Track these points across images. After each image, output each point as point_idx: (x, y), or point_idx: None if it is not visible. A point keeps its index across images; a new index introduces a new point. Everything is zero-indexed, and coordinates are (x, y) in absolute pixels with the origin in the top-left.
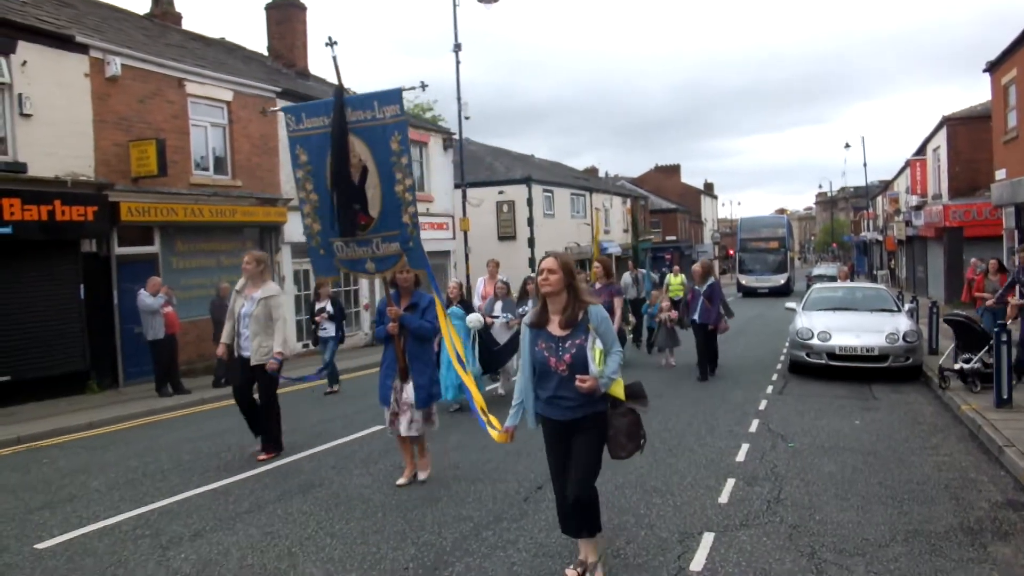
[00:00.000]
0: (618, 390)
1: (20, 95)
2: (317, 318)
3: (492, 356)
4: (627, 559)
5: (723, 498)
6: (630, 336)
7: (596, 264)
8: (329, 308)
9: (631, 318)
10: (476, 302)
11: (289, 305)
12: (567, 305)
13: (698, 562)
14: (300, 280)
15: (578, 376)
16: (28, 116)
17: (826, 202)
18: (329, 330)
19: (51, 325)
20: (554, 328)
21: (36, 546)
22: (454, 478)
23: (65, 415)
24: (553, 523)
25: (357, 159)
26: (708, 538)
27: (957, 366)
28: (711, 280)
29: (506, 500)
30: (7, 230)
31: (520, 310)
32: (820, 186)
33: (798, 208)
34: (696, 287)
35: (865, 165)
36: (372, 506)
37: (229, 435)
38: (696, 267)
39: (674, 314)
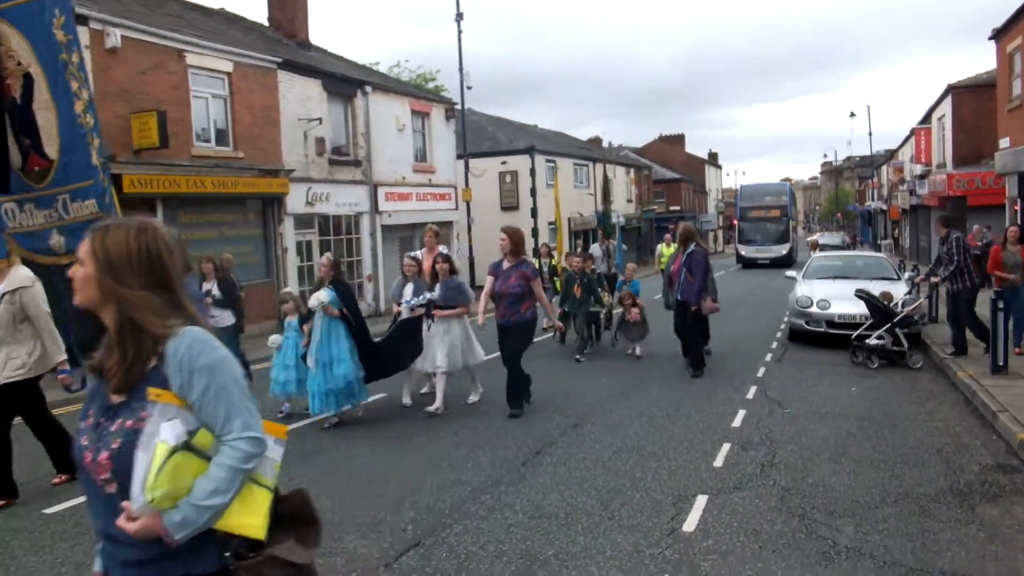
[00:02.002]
0: (247, 522)
1: None
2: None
3: (386, 357)
4: (621, 520)
5: (718, 462)
6: (603, 319)
7: (503, 236)
8: (216, 291)
9: (607, 298)
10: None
11: (293, 278)
12: (115, 341)
13: (691, 523)
14: (303, 251)
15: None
16: None
17: (831, 171)
18: (219, 318)
19: (53, 300)
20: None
21: (44, 511)
22: (454, 445)
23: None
24: (550, 486)
25: (14, 61)
26: (701, 500)
27: (872, 342)
28: (691, 247)
29: (504, 465)
30: None
31: (426, 295)
32: (825, 155)
33: (803, 178)
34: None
35: (870, 134)
36: (372, 472)
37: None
38: (683, 228)
39: (634, 314)
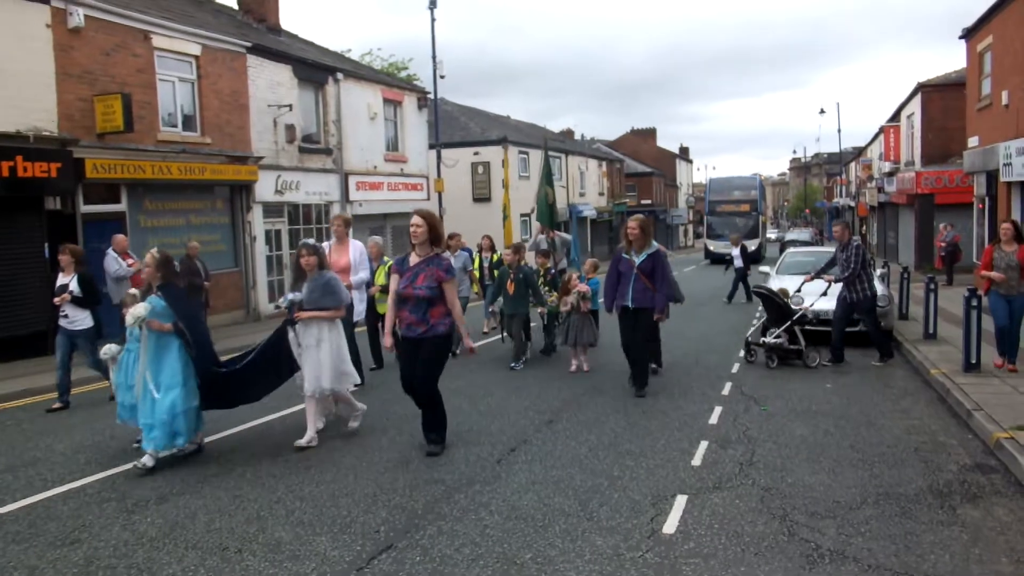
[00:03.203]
0: None
1: None
2: (57, 300)
3: (237, 384)
4: (600, 521)
5: (696, 461)
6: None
7: (417, 221)
8: (75, 287)
9: (552, 299)
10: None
11: (261, 267)
12: None
13: (671, 524)
14: (272, 240)
15: None
16: None
17: (800, 168)
18: (77, 320)
19: (15, 284)
20: None
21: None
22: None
23: (30, 376)
24: (526, 486)
25: None
26: (681, 500)
27: (763, 340)
28: (653, 248)
29: (478, 463)
30: None
31: (288, 296)
32: (794, 152)
33: (772, 174)
34: (625, 255)
35: (839, 131)
36: (342, 469)
37: None
38: (631, 224)
39: (582, 287)
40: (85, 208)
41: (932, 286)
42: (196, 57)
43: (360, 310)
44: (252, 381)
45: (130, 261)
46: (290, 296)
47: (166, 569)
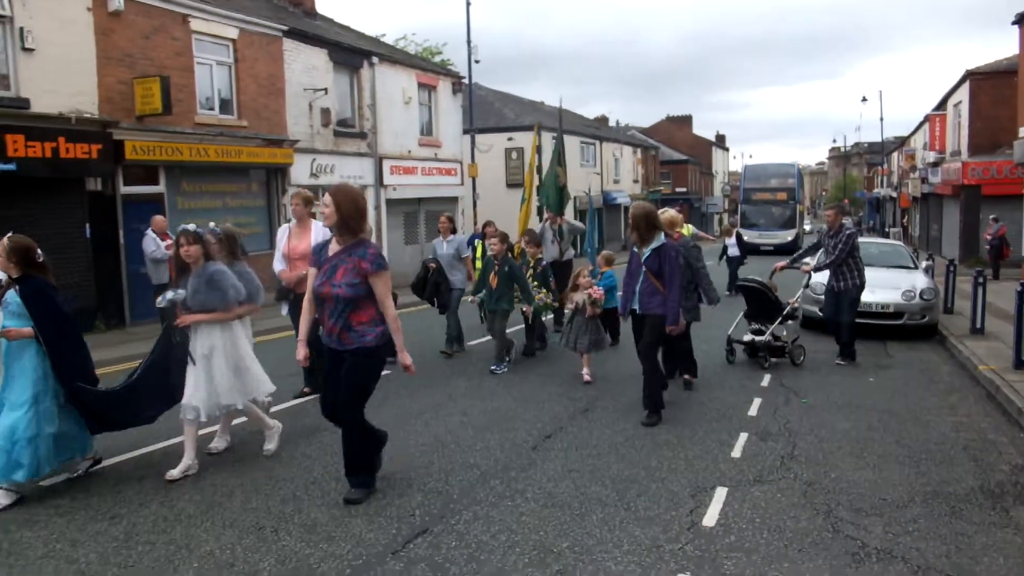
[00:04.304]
0: None
1: (21, 28)
2: None
3: (116, 404)
4: (638, 512)
5: (736, 453)
6: (548, 318)
7: (327, 200)
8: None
9: (540, 296)
10: (276, 265)
11: None
12: None
13: (711, 517)
14: None
15: None
16: (30, 51)
17: (839, 157)
18: None
19: (57, 263)
20: None
21: (41, 483)
22: (461, 426)
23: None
24: (563, 473)
25: None
26: (721, 493)
27: (747, 338)
28: (659, 240)
29: (513, 449)
30: (11, 167)
31: (167, 295)
32: (834, 140)
33: (810, 163)
34: (635, 249)
35: (881, 120)
36: None
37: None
38: (631, 211)
39: (596, 291)
40: (125, 189)
41: (980, 279)
42: (233, 41)
43: None
44: (139, 400)
45: (168, 242)
46: (169, 295)
47: (204, 546)
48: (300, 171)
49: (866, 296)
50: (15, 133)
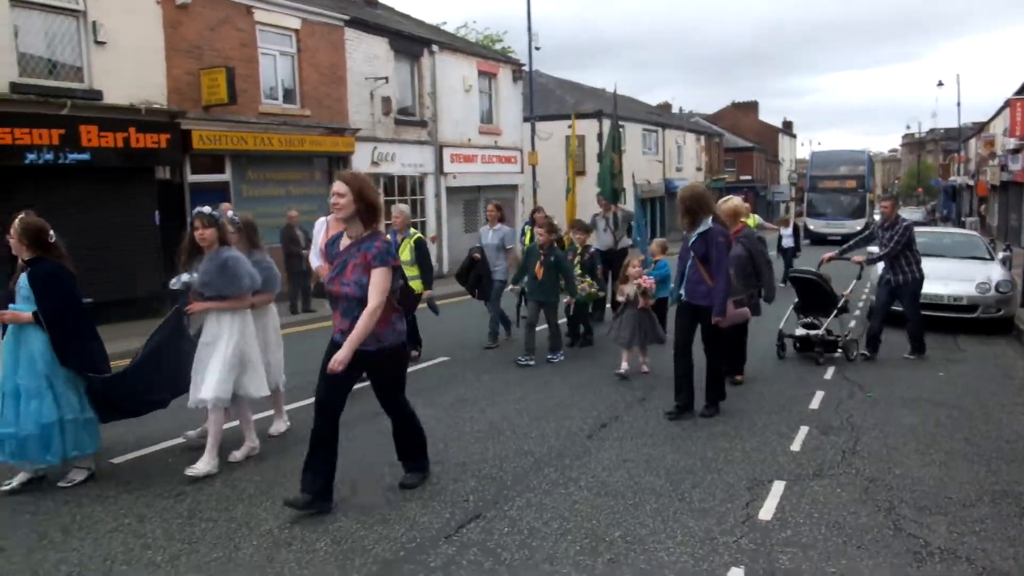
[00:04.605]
0: None
1: (94, 22)
2: None
3: (121, 391)
4: (692, 503)
5: (795, 446)
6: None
7: (339, 188)
8: None
9: (583, 286)
10: (314, 260)
11: None
12: None
13: (767, 510)
14: None
15: None
16: (102, 44)
17: (913, 144)
18: None
19: (129, 249)
20: None
21: (112, 460)
22: (517, 413)
23: (139, 337)
24: (617, 463)
25: None
26: (778, 486)
27: (799, 332)
28: (706, 224)
29: (569, 437)
30: (86, 156)
31: (180, 278)
32: (908, 127)
33: (882, 150)
34: (686, 233)
35: (959, 105)
36: (434, 437)
37: (311, 358)
38: (680, 194)
39: (646, 281)
40: (192, 178)
41: None
42: (296, 31)
43: None
44: (148, 383)
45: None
46: (184, 278)
47: (263, 525)
48: (361, 159)
49: (938, 288)
50: (89, 124)
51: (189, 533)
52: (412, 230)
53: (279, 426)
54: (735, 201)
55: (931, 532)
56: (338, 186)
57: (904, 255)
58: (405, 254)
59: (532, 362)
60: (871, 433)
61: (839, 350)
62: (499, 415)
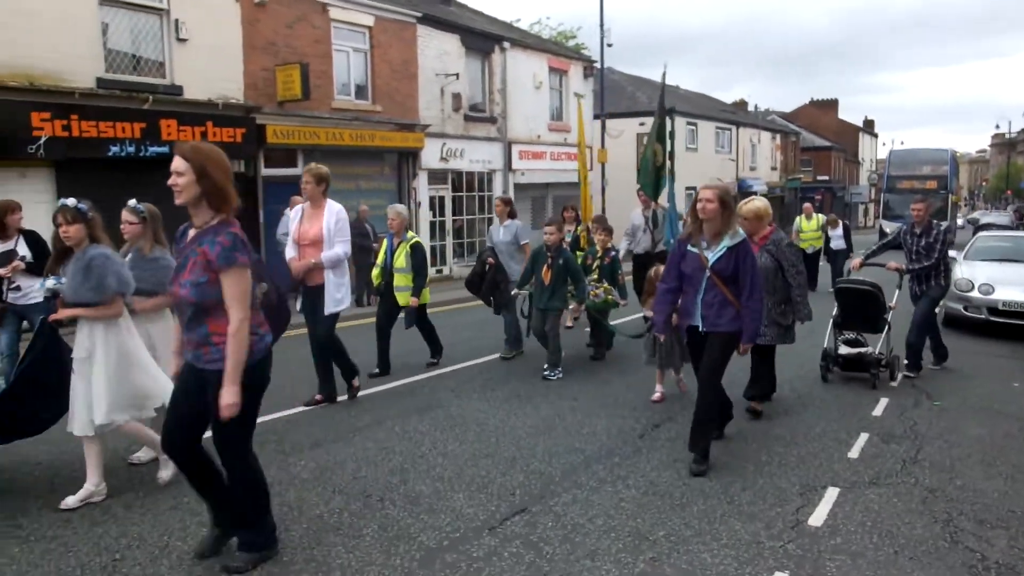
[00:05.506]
0: None
1: (176, 20)
2: (6, 271)
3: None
4: (741, 506)
5: (853, 453)
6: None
7: (178, 164)
8: (25, 251)
9: (596, 292)
10: (289, 251)
11: (424, 233)
12: None
13: (818, 517)
14: (435, 206)
15: None
16: (184, 41)
17: (1003, 144)
18: (30, 292)
19: None
20: None
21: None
22: (571, 410)
23: None
24: (667, 463)
25: None
26: (832, 493)
27: (844, 350)
28: (740, 237)
29: (620, 436)
30: (165, 149)
31: (45, 281)
32: (997, 126)
33: (969, 150)
34: (692, 247)
35: None
36: (486, 430)
37: (359, 354)
38: (705, 194)
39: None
40: (265, 171)
41: None
42: (369, 28)
43: (339, 299)
44: (29, 410)
45: None
46: (49, 283)
47: (313, 510)
48: (430, 155)
49: (1017, 295)
50: (169, 118)
51: None
52: (410, 233)
53: (143, 455)
54: (757, 203)
55: (989, 546)
56: (176, 163)
57: (939, 263)
58: (400, 260)
59: (560, 375)
60: (935, 443)
61: (883, 368)
62: (552, 411)
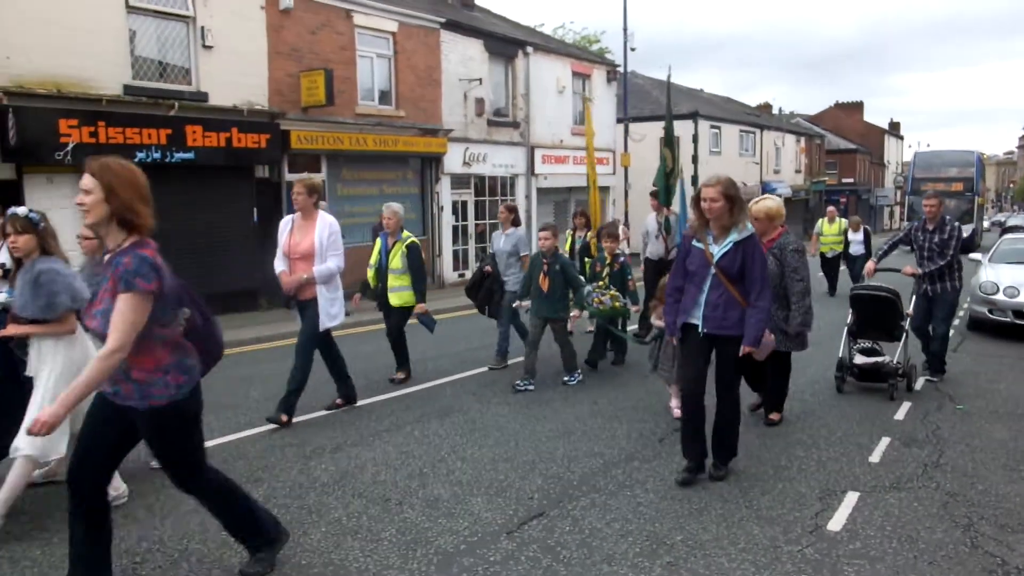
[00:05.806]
0: None
1: (203, 27)
2: None
3: None
4: (759, 510)
5: (874, 457)
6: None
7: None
8: (5, 258)
9: (602, 299)
10: (277, 265)
11: (447, 237)
12: None
13: (837, 521)
14: (458, 211)
15: None
16: (209, 48)
17: None
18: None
19: (228, 245)
20: None
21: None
22: (591, 414)
23: (236, 329)
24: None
25: None
26: (852, 497)
27: (860, 360)
28: (748, 232)
29: (640, 440)
30: (190, 155)
31: (2, 296)
32: None
33: (997, 152)
34: (697, 242)
35: None
36: (505, 435)
37: (379, 357)
38: (707, 190)
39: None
40: (289, 176)
41: None
42: (393, 34)
43: (334, 313)
44: None
45: None
46: (2, 297)
47: (332, 513)
48: (453, 160)
49: None
50: (194, 124)
51: None
52: (405, 233)
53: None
54: (769, 202)
55: (1010, 551)
56: (84, 180)
57: (950, 264)
58: (396, 261)
59: (532, 387)
60: (957, 447)
61: (900, 378)
62: (572, 416)
